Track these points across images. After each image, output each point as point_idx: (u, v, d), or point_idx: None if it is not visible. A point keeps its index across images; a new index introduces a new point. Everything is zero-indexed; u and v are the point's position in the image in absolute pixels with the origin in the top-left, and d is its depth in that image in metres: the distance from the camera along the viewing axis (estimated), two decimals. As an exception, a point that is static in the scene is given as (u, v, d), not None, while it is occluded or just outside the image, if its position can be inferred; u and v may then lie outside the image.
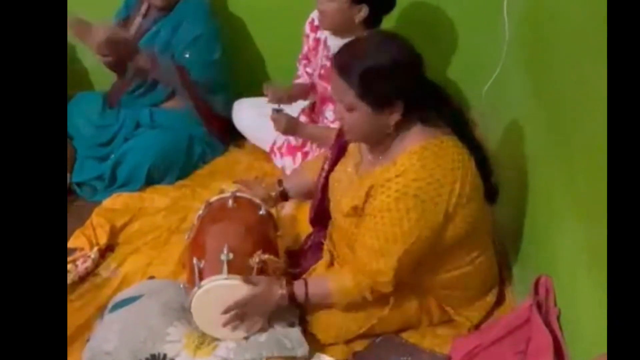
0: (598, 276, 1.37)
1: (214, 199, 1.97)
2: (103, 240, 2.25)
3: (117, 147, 2.60)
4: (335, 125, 2.15)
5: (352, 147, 1.86)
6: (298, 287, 1.72)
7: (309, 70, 2.53)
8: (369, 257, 1.64)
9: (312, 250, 2.05)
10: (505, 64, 2.47)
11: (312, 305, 1.79)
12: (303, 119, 2.54)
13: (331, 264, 1.92)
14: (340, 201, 1.76)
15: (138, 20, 2.61)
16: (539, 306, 1.66)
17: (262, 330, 1.75)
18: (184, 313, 1.75)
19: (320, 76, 2.38)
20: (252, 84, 2.75)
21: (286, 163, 2.53)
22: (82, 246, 2.21)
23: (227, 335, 1.73)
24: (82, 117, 2.68)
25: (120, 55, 2.48)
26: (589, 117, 1.52)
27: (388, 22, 2.35)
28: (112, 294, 2.02)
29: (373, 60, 1.55)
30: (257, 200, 1.96)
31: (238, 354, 1.69)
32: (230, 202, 1.92)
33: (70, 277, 2.07)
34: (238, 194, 1.96)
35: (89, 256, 2.16)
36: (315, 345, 1.82)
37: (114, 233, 2.31)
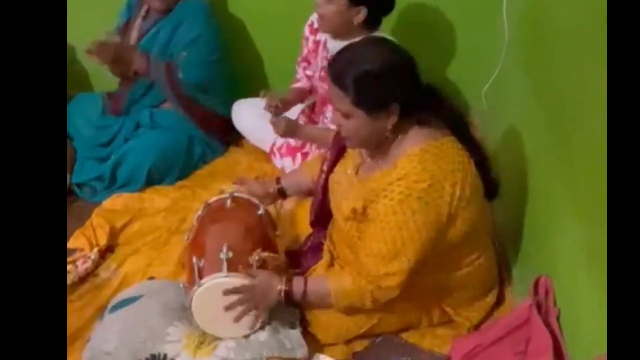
0: (598, 276, 1.37)
1: (212, 200, 1.98)
2: (103, 240, 2.25)
3: (117, 147, 2.61)
4: (335, 126, 2.15)
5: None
6: (297, 283, 1.72)
7: (308, 72, 2.53)
8: (376, 263, 1.63)
9: (312, 250, 2.04)
10: (504, 64, 2.47)
11: (309, 303, 1.79)
12: (303, 119, 2.54)
13: (331, 264, 1.92)
14: (341, 203, 1.76)
15: (138, 22, 2.62)
16: (538, 306, 1.66)
17: (262, 328, 1.75)
18: (184, 313, 1.75)
19: (321, 78, 2.38)
20: (252, 84, 2.76)
21: (286, 163, 2.53)
22: (82, 247, 2.21)
23: (228, 333, 1.73)
24: (82, 118, 2.69)
25: (115, 59, 2.51)
26: (589, 117, 1.52)
27: (387, 24, 2.35)
28: (112, 294, 2.02)
29: (366, 66, 1.55)
30: (256, 201, 1.96)
31: (238, 353, 1.69)
32: (228, 202, 1.93)
33: (70, 278, 2.08)
34: (236, 194, 1.97)
35: (89, 257, 2.17)
36: (315, 345, 1.82)
37: (113, 234, 2.31)
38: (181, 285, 1.83)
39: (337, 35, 2.24)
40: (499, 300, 1.97)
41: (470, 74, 2.77)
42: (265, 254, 1.77)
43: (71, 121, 2.65)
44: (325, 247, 1.98)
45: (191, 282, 1.73)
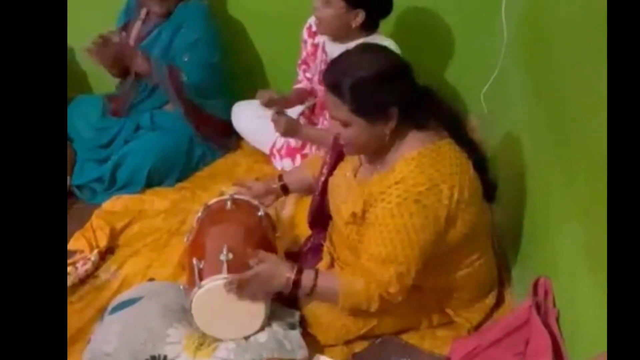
0: (597, 277, 1.37)
1: (212, 201, 1.97)
2: (103, 242, 2.25)
3: (117, 149, 2.61)
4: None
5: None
6: (307, 276, 1.67)
7: (308, 75, 2.54)
8: (377, 267, 1.62)
9: (312, 251, 2.05)
10: (503, 65, 2.48)
11: (312, 297, 1.74)
12: (302, 121, 2.55)
13: (331, 265, 1.92)
14: (340, 207, 1.76)
15: (138, 24, 2.62)
16: (537, 307, 1.66)
17: (262, 329, 1.75)
18: (184, 315, 1.75)
19: (319, 81, 2.38)
20: (252, 86, 2.75)
21: (286, 165, 2.53)
22: (82, 248, 2.21)
23: (228, 335, 1.73)
24: (82, 120, 2.69)
25: (116, 59, 2.51)
26: (588, 118, 1.52)
27: (386, 26, 2.35)
28: (112, 296, 2.02)
29: (361, 73, 1.55)
30: (256, 202, 1.96)
31: (238, 355, 1.69)
32: (228, 204, 1.93)
33: (70, 280, 2.08)
34: (236, 196, 1.97)
35: (89, 258, 2.17)
36: (315, 346, 1.82)
37: (113, 235, 2.31)
38: (181, 286, 1.83)
39: (335, 38, 2.25)
40: (499, 302, 1.97)
41: (469, 76, 2.77)
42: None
43: (71, 123, 2.65)
44: (325, 249, 1.98)
45: (191, 284, 1.73)
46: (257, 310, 1.72)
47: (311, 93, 2.56)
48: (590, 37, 1.51)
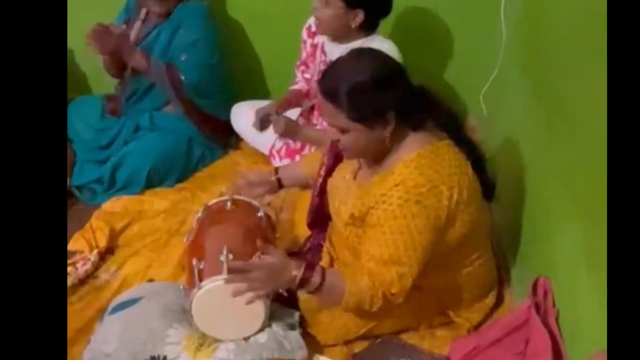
0: (597, 276, 1.38)
1: (212, 202, 1.98)
2: (103, 243, 2.25)
3: (117, 150, 2.61)
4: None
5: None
6: (316, 273, 1.63)
7: (307, 76, 2.55)
8: (379, 268, 1.62)
9: (311, 252, 2.05)
10: (502, 66, 2.48)
11: (320, 294, 1.67)
12: (301, 122, 2.55)
13: (331, 265, 1.92)
14: (340, 209, 1.77)
15: (137, 24, 2.62)
16: (537, 307, 1.66)
17: (262, 329, 1.75)
18: (184, 315, 1.75)
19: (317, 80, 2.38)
20: (251, 87, 2.77)
21: (285, 166, 2.54)
22: (81, 249, 2.21)
23: (228, 335, 1.73)
24: (82, 121, 2.70)
25: (114, 51, 2.50)
26: (588, 118, 1.52)
27: (385, 27, 2.35)
28: (111, 296, 2.02)
29: (356, 79, 1.55)
30: (256, 203, 1.97)
31: (238, 355, 1.69)
32: (228, 204, 1.93)
33: (70, 280, 2.08)
34: (236, 196, 1.97)
35: (89, 259, 2.17)
36: (315, 346, 1.83)
37: (113, 236, 2.31)
38: (181, 287, 1.83)
39: (334, 38, 2.25)
40: (498, 302, 1.97)
41: (468, 77, 2.77)
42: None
43: (70, 124, 2.65)
44: (324, 249, 1.98)
45: (191, 284, 1.73)
46: (257, 310, 1.71)
47: (307, 94, 2.57)
48: (589, 37, 1.51)
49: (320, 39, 2.37)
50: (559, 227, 1.70)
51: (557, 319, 1.61)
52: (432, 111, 1.68)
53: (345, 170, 1.84)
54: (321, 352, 1.83)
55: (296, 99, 2.58)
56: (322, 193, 1.93)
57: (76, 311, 2.00)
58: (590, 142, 1.48)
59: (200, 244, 1.83)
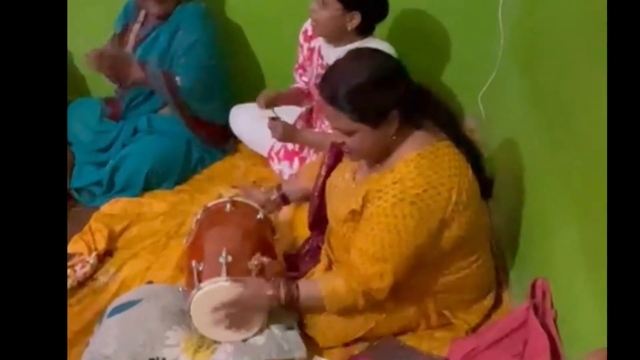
0: (595, 278, 1.38)
1: (211, 203, 1.98)
2: (101, 245, 2.25)
3: (116, 152, 2.61)
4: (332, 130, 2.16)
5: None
6: (288, 290, 1.69)
7: (304, 79, 2.55)
8: (363, 261, 1.63)
9: (310, 254, 2.05)
10: (500, 68, 2.49)
11: (305, 308, 1.77)
12: (301, 123, 2.55)
13: (329, 267, 1.92)
14: (338, 207, 1.77)
15: (136, 27, 2.62)
16: (535, 308, 1.66)
17: (260, 331, 1.75)
18: (183, 317, 1.75)
19: (316, 85, 2.39)
20: (249, 90, 2.76)
21: (284, 168, 2.54)
22: (80, 251, 2.21)
23: (226, 337, 1.73)
24: (81, 123, 2.70)
25: (113, 69, 2.51)
26: (586, 119, 1.52)
27: (382, 29, 2.36)
28: (110, 298, 2.02)
29: (356, 80, 1.55)
30: (255, 204, 1.97)
31: (236, 357, 1.69)
32: (228, 206, 1.93)
33: (69, 282, 2.08)
34: (235, 198, 1.97)
35: (88, 261, 2.17)
36: (314, 348, 1.82)
37: (112, 238, 2.31)
38: (180, 289, 1.84)
39: (331, 40, 2.26)
40: (497, 303, 1.97)
41: (466, 79, 2.77)
42: (265, 258, 1.77)
43: (69, 126, 2.65)
44: (323, 251, 1.98)
45: (190, 286, 1.73)
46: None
47: (308, 94, 2.57)
48: (587, 38, 1.51)
49: (316, 42, 2.37)
50: (557, 228, 1.70)
51: (555, 320, 1.61)
52: (432, 111, 1.69)
53: (344, 170, 1.84)
54: (320, 354, 1.83)
55: (298, 96, 2.58)
56: (323, 192, 1.93)
57: (75, 313, 2.00)
58: (588, 144, 1.48)
59: (199, 246, 1.84)
